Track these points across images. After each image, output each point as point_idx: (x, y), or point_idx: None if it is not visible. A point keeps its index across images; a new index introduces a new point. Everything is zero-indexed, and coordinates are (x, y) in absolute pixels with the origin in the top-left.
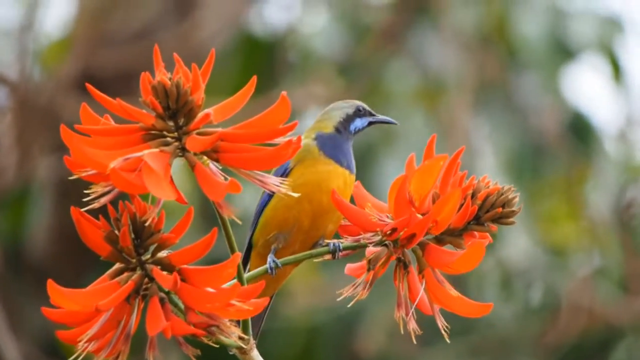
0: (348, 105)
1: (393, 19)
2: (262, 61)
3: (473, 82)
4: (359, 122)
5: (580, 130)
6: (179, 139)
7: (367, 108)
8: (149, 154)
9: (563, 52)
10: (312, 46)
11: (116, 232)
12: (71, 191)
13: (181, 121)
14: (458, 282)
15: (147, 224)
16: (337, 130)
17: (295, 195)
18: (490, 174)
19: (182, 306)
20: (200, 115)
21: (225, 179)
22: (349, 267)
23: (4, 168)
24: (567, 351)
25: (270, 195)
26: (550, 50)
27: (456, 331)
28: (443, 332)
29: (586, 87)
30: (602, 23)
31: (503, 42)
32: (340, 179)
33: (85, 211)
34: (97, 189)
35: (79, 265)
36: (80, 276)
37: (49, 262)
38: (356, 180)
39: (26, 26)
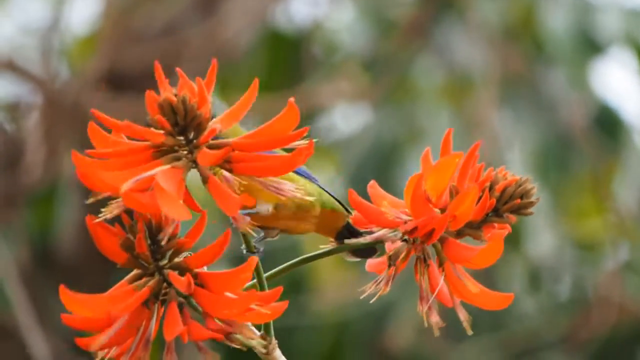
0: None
1: (419, 13)
2: (288, 57)
3: (499, 77)
4: None
5: (607, 124)
6: (190, 152)
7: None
8: (160, 172)
9: (590, 45)
10: (338, 41)
11: (132, 238)
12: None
13: (191, 135)
14: (487, 279)
15: (166, 237)
16: None
17: (311, 199)
18: (517, 169)
19: (201, 310)
20: (209, 128)
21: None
22: (370, 263)
23: (32, 165)
24: (596, 346)
25: None
26: (577, 43)
27: (485, 327)
28: (465, 324)
29: (614, 81)
30: (629, 16)
31: (529, 36)
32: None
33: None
34: (112, 207)
35: (108, 262)
36: (110, 273)
37: (78, 259)
38: (382, 178)
39: (52, 23)
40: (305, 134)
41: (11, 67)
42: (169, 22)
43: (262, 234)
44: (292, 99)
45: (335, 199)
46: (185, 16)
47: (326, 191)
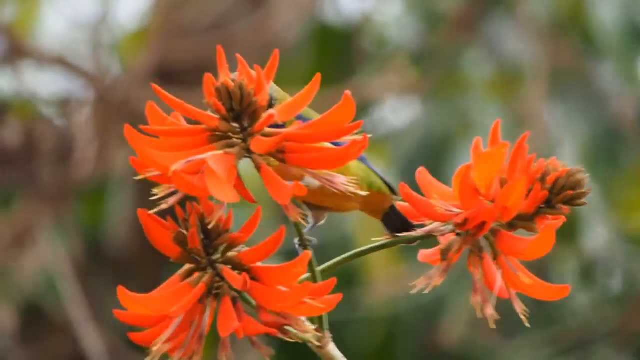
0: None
1: (468, 7)
2: (337, 51)
3: (548, 70)
4: None
5: None
6: (244, 140)
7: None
8: (212, 156)
9: None
10: (387, 35)
11: (184, 233)
12: (149, 184)
13: (246, 122)
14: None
15: (213, 223)
16: None
17: (364, 194)
18: (567, 162)
19: (254, 304)
20: (264, 116)
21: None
22: (423, 253)
23: (83, 160)
24: None
25: None
26: (627, 36)
27: (537, 322)
28: (522, 316)
29: None
30: None
31: (578, 29)
32: None
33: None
34: (162, 191)
35: (160, 257)
36: (162, 267)
37: (130, 254)
38: (432, 171)
39: (101, 18)
40: (360, 127)
41: (61, 62)
42: (218, 16)
43: (311, 221)
44: (348, 92)
45: (383, 180)
46: (234, 10)
47: (374, 171)
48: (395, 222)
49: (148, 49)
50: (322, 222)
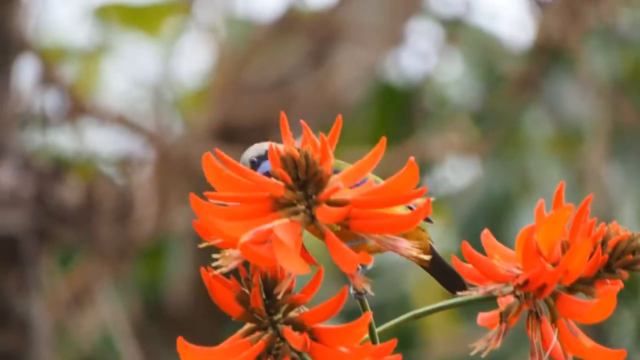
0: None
1: (529, 67)
2: (398, 110)
3: (609, 129)
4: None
5: None
6: (308, 208)
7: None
8: (279, 225)
9: None
10: (448, 95)
11: (247, 292)
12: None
13: (310, 191)
14: (598, 335)
15: (278, 286)
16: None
17: (427, 257)
18: (628, 223)
19: None
20: (330, 186)
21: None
22: (482, 317)
23: (143, 219)
24: None
25: None
26: None
27: None
28: None
29: None
30: None
31: (639, 88)
32: None
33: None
34: (227, 257)
35: (219, 316)
36: (220, 326)
37: (189, 312)
38: (493, 230)
39: (163, 77)
40: (424, 193)
41: (122, 121)
42: (280, 74)
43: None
44: (412, 158)
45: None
46: (296, 69)
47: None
48: (444, 273)
49: (210, 107)
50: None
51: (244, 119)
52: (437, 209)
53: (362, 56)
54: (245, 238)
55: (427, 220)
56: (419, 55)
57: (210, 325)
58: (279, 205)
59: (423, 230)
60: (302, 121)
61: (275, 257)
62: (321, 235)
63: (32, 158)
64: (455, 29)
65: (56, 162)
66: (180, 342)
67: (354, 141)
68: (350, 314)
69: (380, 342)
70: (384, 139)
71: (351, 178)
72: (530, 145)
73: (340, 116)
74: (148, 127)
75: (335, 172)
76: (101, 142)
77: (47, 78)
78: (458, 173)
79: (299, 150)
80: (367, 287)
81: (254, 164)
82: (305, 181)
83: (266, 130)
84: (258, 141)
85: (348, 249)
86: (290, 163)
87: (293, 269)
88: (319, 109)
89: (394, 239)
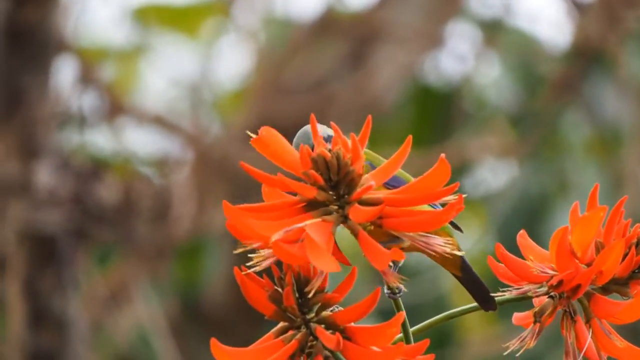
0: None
1: (567, 69)
2: (436, 111)
3: None
4: None
5: None
6: (341, 207)
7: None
8: (310, 225)
9: None
10: (486, 97)
11: (280, 291)
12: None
13: (342, 191)
14: (632, 333)
15: (314, 290)
16: None
17: (460, 253)
18: None
19: None
20: (362, 186)
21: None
22: (517, 316)
23: (181, 218)
24: None
25: None
26: None
27: None
28: None
29: None
30: None
31: None
32: None
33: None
34: (261, 257)
35: (255, 316)
36: (257, 326)
37: (226, 311)
38: (530, 232)
39: (202, 77)
40: (456, 189)
41: (160, 121)
42: (318, 75)
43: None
44: (443, 155)
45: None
46: (335, 70)
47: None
48: (476, 285)
49: (248, 108)
50: (401, 263)
51: (282, 120)
52: (474, 210)
53: (401, 57)
54: (276, 236)
55: (457, 228)
56: (457, 57)
57: (248, 325)
58: (312, 206)
59: (451, 237)
60: (332, 123)
61: (306, 256)
62: (354, 235)
63: (70, 158)
64: (494, 31)
65: (94, 161)
66: (214, 343)
67: (393, 142)
68: (385, 314)
69: (415, 342)
70: (409, 138)
71: (380, 176)
72: (568, 148)
73: (370, 116)
74: (186, 128)
75: (373, 167)
76: (139, 142)
77: (86, 78)
78: (496, 175)
79: (330, 151)
80: (400, 285)
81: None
82: (337, 182)
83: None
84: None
85: (380, 246)
86: (322, 164)
87: (324, 266)
88: (357, 110)
89: (427, 236)
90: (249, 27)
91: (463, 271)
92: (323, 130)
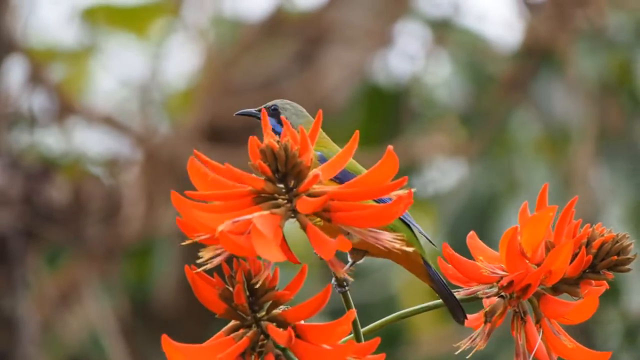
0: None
1: (517, 68)
2: (386, 111)
3: (596, 132)
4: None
5: None
6: (289, 201)
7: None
8: (258, 216)
9: None
10: (436, 96)
11: (231, 289)
12: (195, 243)
13: (291, 183)
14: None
15: (260, 282)
16: None
17: (410, 250)
18: (613, 225)
19: None
20: (309, 176)
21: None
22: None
23: (130, 218)
24: None
25: None
26: None
27: None
28: None
29: None
30: None
31: (626, 91)
32: None
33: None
34: (209, 252)
35: (205, 315)
36: (207, 325)
37: (176, 311)
38: (479, 231)
39: (150, 77)
40: (404, 184)
41: (110, 121)
42: (267, 75)
43: (350, 260)
44: (390, 147)
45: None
46: (283, 70)
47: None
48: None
49: (197, 107)
50: (361, 261)
51: (231, 119)
52: (425, 209)
53: (350, 57)
54: (223, 227)
55: (431, 242)
56: (406, 57)
57: (197, 324)
58: (261, 199)
59: (420, 251)
60: (282, 117)
61: (252, 247)
62: (302, 227)
63: (20, 158)
64: (444, 31)
65: (44, 161)
66: (165, 339)
67: (342, 141)
68: (335, 313)
69: (366, 341)
70: (357, 133)
71: (329, 171)
72: (518, 147)
73: (321, 111)
74: (135, 128)
75: (323, 159)
76: (89, 142)
77: (35, 78)
78: (445, 174)
79: (278, 142)
80: (348, 277)
81: (275, 111)
82: (285, 173)
83: (253, 132)
84: (244, 142)
85: (326, 237)
86: (270, 155)
87: (269, 256)
88: (307, 109)
89: (377, 231)
90: (198, 27)
91: (432, 281)
92: (281, 101)
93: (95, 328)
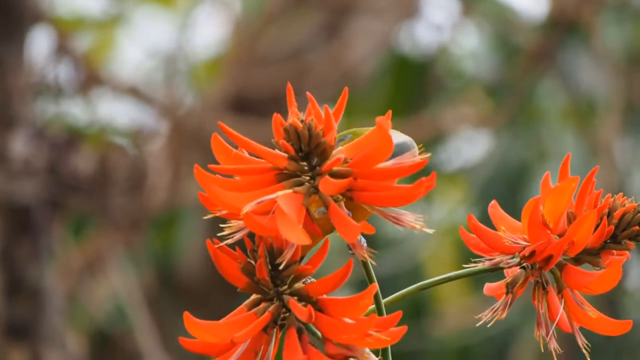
0: None
1: (543, 39)
2: (412, 81)
3: (622, 103)
4: None
5: None
6: (312, 179)
7: None
8: (282, 196)
9: None
10: (462, 67)
11: (252, 263)
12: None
13: (314, 162)
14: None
15: (281, 256)
16: None
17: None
18: (638, 196)
19: (320, 335)
20: (333, 157)
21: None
22: (488, 287)
23: (155, 189)
24: None
25: None
26: None
27: (609, 354)
28: (584, 350)
29: None
30: None
31: None
32: None
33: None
34: (232, 227)
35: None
36: (232, 296)
37: (201, 282)
38: (509, 201)
39: (177, 47)
40: (426, 163)
41: (135, 92)
42: (294, 46)
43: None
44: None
45: None
46: (310, 40)
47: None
48: None
49: (223, 78)
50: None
51: (257, 90)
52: (452, 180)
53: (377, 28)
54: (247, 208)
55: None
56: (433, 27)
57: (223, 295)
58: (283, 177)
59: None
60: (308, 93)
61: (277, 228)
62: (325, 206)
63: (45, 128)
64: (471, 1)
65: (69, 132)
66: (187, 316)
67: (369, 113)
68: (359, 285)
69: (389, 314)
70: (389, 113)
71: (354, 151)
72: (544, 117)
73: (346, 88)
74: (161, 98)
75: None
76: (114, 112)
77: (61, 48)
78: (472, 145)
79: (302, 121)
80: (369, 258)
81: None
82: (308, 152)
83: (279, 102)
84: (271, 113)
85: (350, 219)
86: (293, 134)
87: (294, 238)
88: (333, 81)
89: (398, 211)
90: None
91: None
92: (395, 136)
93: (120, 298)
